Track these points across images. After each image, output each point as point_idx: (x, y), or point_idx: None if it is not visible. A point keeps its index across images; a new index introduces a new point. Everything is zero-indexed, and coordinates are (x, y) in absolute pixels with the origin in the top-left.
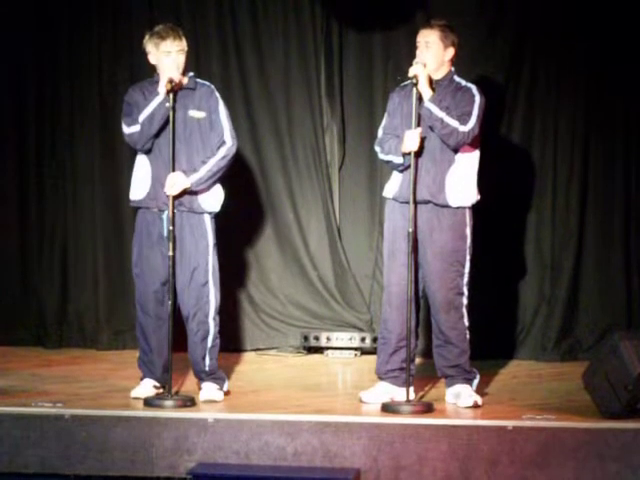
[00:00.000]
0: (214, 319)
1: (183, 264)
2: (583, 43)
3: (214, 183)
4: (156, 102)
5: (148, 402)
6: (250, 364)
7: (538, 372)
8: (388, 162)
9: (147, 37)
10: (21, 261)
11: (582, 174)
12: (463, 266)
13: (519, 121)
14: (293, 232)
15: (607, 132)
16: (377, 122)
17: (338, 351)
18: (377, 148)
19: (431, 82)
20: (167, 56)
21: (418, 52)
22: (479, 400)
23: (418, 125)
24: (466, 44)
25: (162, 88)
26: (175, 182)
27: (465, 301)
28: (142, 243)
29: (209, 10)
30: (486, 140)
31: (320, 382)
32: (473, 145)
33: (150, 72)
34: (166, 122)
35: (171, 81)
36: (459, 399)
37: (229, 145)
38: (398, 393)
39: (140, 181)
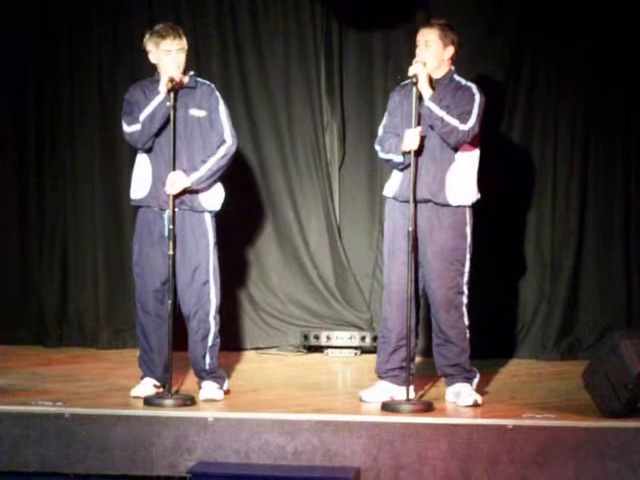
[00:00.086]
0: (215, 318)
1: (184, 263)
2: (583, 42)
3: (214, 182)
4: (157, 101)
5: (148, 401)
6: (250, 363)
7: (538, 371)
8: (388, 161)
9: (147, 36)
10: (21, 260)
11: (582, 173)
12: (463, 265)
13: (519, 120)
14: (293, 231)
15: (607, 131)
16: (377, 121)
17: (338, 350)
18: (377, 147)
19: (431, 81)
20: (167, 55)
21: (418, 51)
22: (479, 399)
23: (418, 124)
24: (466, 43)
25: (163, 87)
26: (175, 181)
27: (465, 300)
28: (143, 242)
29: (209, 9)
30: (486, 139)
31: (320, 381)
32: (473, 144)
33: (150, 71)
34: (167, 121)
35: (172, 80)
36: (459, 398)
37: (229, 144)
38: (398, 392)
39: (141, 180)
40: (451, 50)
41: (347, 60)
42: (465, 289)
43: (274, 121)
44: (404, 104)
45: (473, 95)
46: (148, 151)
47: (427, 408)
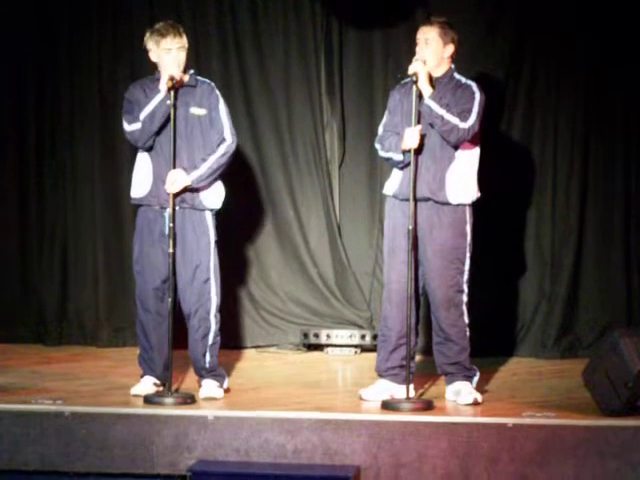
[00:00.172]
0: (215, 316)
1: (185, 261)
2: (583, 41)
3: (215, 180)
4: (157, 100)
5: (148, 399)
6: (250, 361)
7: (538, 369)
8: (388, 159)
9: (148, 34)
10: (21, 260)
11: (582, 171)
12: (463, 263)
13: (519, 118)
14: (293, 229)
15: (607, 129)
16: (377, 119)
17: (338, 348)
18: (377, 145)
19: (431, 79)
20: (168, 53)
21: (418, 49)
22: (479, 397)
23: (418, 122)
24: (466, 41)
25: (163, 86)
26: (176, 179)
27: (465, 298)
28: (143, 240)
29: (209, 8)
30: (486, 137)
31: (320, 379)
32: (473, 142)
33: (151, 71)
34: (167, 119)
35: (172, 78)
36: (459, 396)
37: (229, 142)
38: (398, 390)
39: (141, 179)
40: (451, 48)
41: (347, 58)
42: (465, 287)
43: (274, 119)
44: (404, 102)
45: (473, 93)
46: (149, 150)
47: (427, 407)
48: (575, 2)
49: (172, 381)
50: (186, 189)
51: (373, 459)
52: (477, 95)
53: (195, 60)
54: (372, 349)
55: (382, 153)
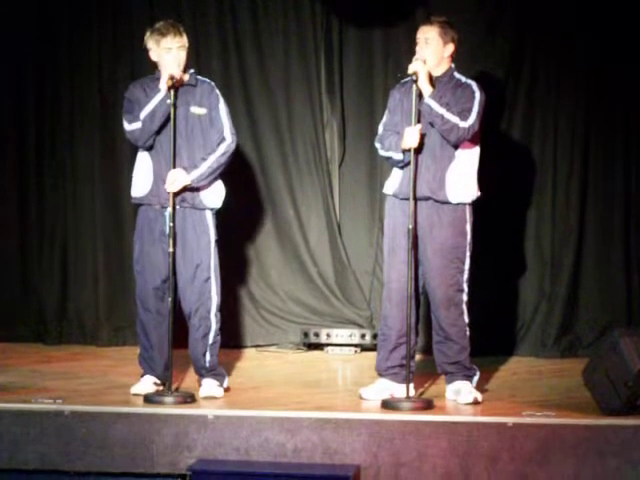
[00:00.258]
0: (215, 315)
1: (186, 261)
2: (583, 41)
3: (214, 179)
4: (157, 99)
5: (148, 398)
6: (250, 360)
7: (538, 369)
8: (388, 159)
9: (148, 34)
10: (21, 259)
11: (582, 171)
12: (463, 263)
13: (519, 118)
14: (293, 228)
15: (607, 129)
16: (377, 119)
17: (338, 348)
18: (377, 145)
19: (431, 78)
20: (168, 53)
21: (418, 49)
22: (479, 397)
23: (418, 122)
24: (466, 41)
25: (163, 85)
26: (176, 179)
27: (465, 298)
28: (143, 240)
29: (209, 8)
30: (486, 137)
31: (320, 379)
32: (473, 141)
33: (151, 70)
34: (167, 119)
35: (172, 78)
36: (459, 396)
37: (229, 142)
38: (398, 390)
39: (142, 178)
40: (451, 47)
41: (347, 58)
42: (465, 287)
43: (274, 119)
44: (404, 102)
45: (473, 92)
46: (149, 149)
47: (427, 406)
48: (575, 2)
49: (172, 380)
50: (186, 188)
51: (373, 458)
52: (477, 94)
53: (195, 59)
54: (372, 348)
55: (382, 152)
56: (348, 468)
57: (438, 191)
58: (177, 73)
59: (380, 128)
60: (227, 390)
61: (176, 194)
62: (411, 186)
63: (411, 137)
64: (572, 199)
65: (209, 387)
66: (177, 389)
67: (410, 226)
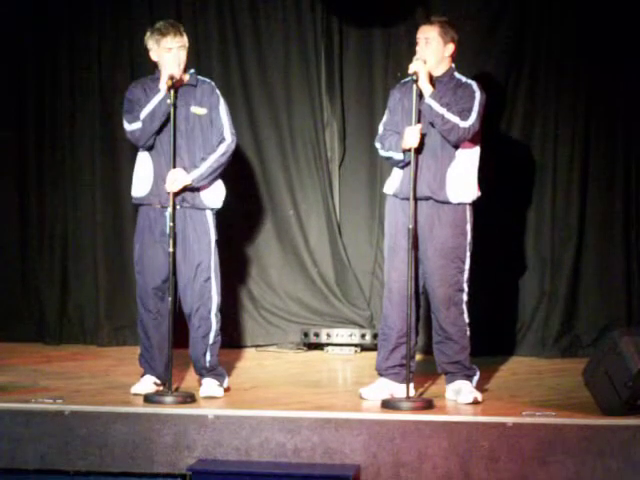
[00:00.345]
0: (216, 315)
1: (186, 260)
2: (583, 41)
3: (215, 179)
4: (157, 99)
5: (148, 398)
6: (250, 360)
7: (538, 369)
8: (388, 158)
9: (148, 34)
10: (21, 258)
11: (582, 171)
12: (463, 262)
13: (519, 117)
14: (293, 228)
15: (607, 129)
16: (377, 119)
17: (338, 347)
18: (377, 144)
19: (431, 78)
20: (168, 52)
21: (418, 48)
22: (479, 396)
23: (419, 121)
24: (466, 41)
25: (163, 85)
26: (176, 179)
27: (465, 297)
28: (144, 240)
29: (209, 8)
30: (486, 136)
31: (320, 378)
32: (474, 141)
33: (151, 70)
34: (167, 119)
35: (172, 77)
36: (459, 395)
37: (228, 142)
38: (398, 389)
39: (142, 178)
40: (451, 47)
41: (347, 58)
42: (465, 286)
43: (274, 119)
44: (404, 102)
45: (473, 92)
46: (149, 149)
47: (427, 406)
48: (575, 2)
49: (172, 380)
50: (186, 188)
51: (373, 458)
52: (477, 94)
53: (195, 60)
54: (372, 348)
55: (382, 152)
56: (348, 468)
57: (438, 191)
58: (177, 73)
59: (380, 128)
60: (227, 390)
61: (176, 194)
62: (411, 186)
63: (411, 137)
64: (572, 199)
65: (209, 387)
66: (177, 389)
67: (410, 226)
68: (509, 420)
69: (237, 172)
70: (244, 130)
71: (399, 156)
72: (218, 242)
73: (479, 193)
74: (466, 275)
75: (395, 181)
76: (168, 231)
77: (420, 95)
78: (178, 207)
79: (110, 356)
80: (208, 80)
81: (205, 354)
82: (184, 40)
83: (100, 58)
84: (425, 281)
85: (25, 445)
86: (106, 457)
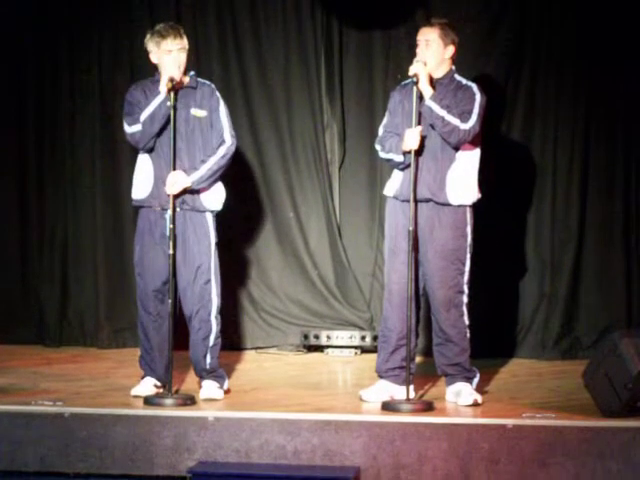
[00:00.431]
0: (216, 317)
1: (187, 263)
2: (583, 41)
3: (214, 182)
4: (157, 101)
5: (148, 400)
6: (250, 362)
7: (538, 371)
8: (389, 160)
9: (148, 36)
10: (21, 259)
11: (582, 172)
12: (464, 264)
13: (519, 119)
14: (293, 230)
15: (607, 129)
16: (377, 120)
17: (338, 349)
18: (378, 146)
19: (431, 80)
20: (168, 55)
21: (418, 50)
22: (479, 399)
23: (419, 123)
24: (466, 43)
25: (163, 87)
26: (176, 181)
27: (465, 299)
28: (144, 242)
29: (209, 10)
30: (486, 138)
31: (320, 380)
32: (474, 143)
33: (150, 71)
34: (167, 121)
35: (172, 80)
36: (459, 397)
37: (228, 144)
38: (398, 391)
39: (142, 180)
40: (452, 49)
41: (347, 60)
42: (465, 288)
43: (274, 121)
44: (405, 103)
45: (474, 94)
46: (149, 151)
47: (427, 408)
48: (575, 4)
49: (172, 382)
50: (186, 190)
51: (373, 460)
52: (478, 96)
53: (195, 62)
54: (372, 350)
55: (382, 154)
56: (348, 470)
57: (439, 193)
58: (177, 75)
59: (380, 130)
60: (227, 392)
61: (176, 196)
62: (411, 188)
63: (411, 139)
64: (572, 201)
65: (209, 389)
66: (177, 391)
67: (410, 228)
68: (509, 422)
69: (237, 174)
70: (244, 132)
71: (399, 158)
72: (218, 244)
73: (479, 195)
74: (466, 277)
75: (395, 183)
76: (168, 233)
77: (420, 97)
78: (178, 209)
79: (110, 358)
80: (208, 82)
81: (205, 356)
82: (184, 42)
83: (100, 60)
84: (425, 283)
85: (25, 447)
86: (106, 459)
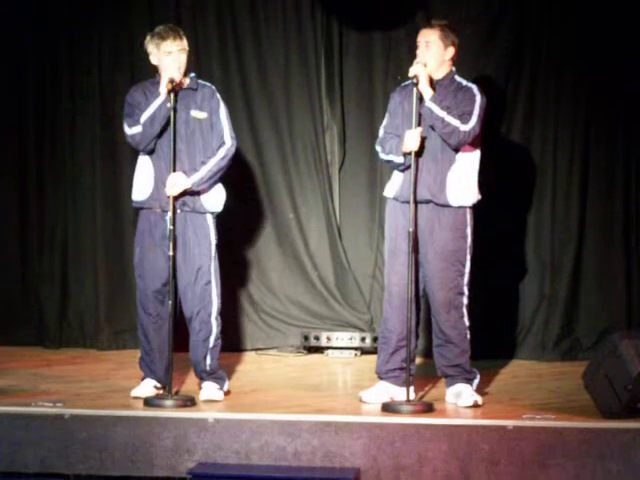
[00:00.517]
0: (216, 319)
1: (187, 264)
2: (584, 43)
3: (214, 183)
4: (157, 103)
5: (148, 402)
6: (250, 364)
7: (538, 372)
8: (389, 162)
9: (148, 38)
10: (21, 260)
11: (582, 173)
12: (464, 266)
13: (519, 121)
14: (293, 232)
15: (607, 130)
16: (377, 122)
17: (338, 351)
18: (378, 148)
19: (432, 82)
20: (168, 56)
21: (418, 52)
22: (479, 400)
23: (419, 125)
24: (467, 44)
25: (163, 88)
26: (175, 182)
27: (465, 301)
28: (144, 244)
29: (209, 11)
30: (487, 139)
31: (320, 382)
32: (474, 145)
33: (151, 72)
34: (168, 122)
35: (172, 81)
36: (459, 399)
37: (228, 145)
38: (398, 393)
39: (143, 182)
40: (452, 51)
41: (347, 61)
42: (465, 290)
43: (274, 122)
44: (405, 105)
45: (474, 96)
46: (150, 153)
47: (427, 409)
48: (575, 5)
49: (172, 383)
50: (186, 192)
51: (373, 461)
52: (478, 97)
53: (195, 62)
54: (372, 351)
55: (383, 156)
56: (348, 471)
57: (439, 194)
58: (177, 76)
59: (381, 131)
60: (227, 393)
61: (176, 198)
62: (412, 189)
63: (412, 140)
64: (572, 202)
65: (209, 390)
66: (177, 392)
67: (411, 229)
68: (509, 423)
69: (237, 175)
70: (244, 134)
71: (399, 159)
72: (218, 245)
73: (479, 196)
74: (466, 278)
75: (395, 184)
76: (168, 234)
77: (420, 98)
78: (179, 211)
79: (110, 360)
80: (208, 84)
81: (205, 357)
82: (184, 43)
83: (100, 61)
84: (425, 284)
85: (25, 449)
86: (106, 461)
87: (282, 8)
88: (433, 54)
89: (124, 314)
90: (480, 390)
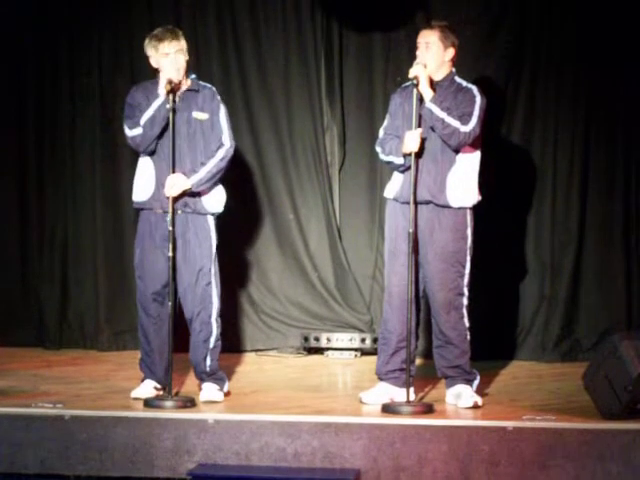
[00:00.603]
0: (217, 320)
1: (188, 265)
2: (584, 45)
3: (214, 184)
4: (157, 104)
5: (148, 403)
6: (250, 365)
7: (538, 373)
8: (389, 163)
9: (147, 41)
10: (21, 261)
11: (582, 174)
12: (464, 267)
13: (519, 122)
14: (293, 233)
15: (607, 131)
16: (377, 123)
17: (338, 352)
18: (378, 149)
19: (432, 83)
20: (166, 57)
21: (418, 53)
22: (479, 401)
23: (419, 126)
24: (467, 45)
25: (162, 90)
26: (175, 183)
27: (465, 302)
28: (145, 245)
29: (209, 12)
30: (487, 141)
31: (320, 383)
32: (474, 146)
33: (151, 73)
34: (168, 123)
35: (170, 82)
36: (459, 400)
37: (227, 147)
38: (398, 394)
39: (144, 183)
40: (452, 52)
41: (347, 62)
42: (465, 291)
43: (274, 123)
44: (405, 106)
45: (474, 97)
46: (151, 154)
47: (427, 410)
48: (575, 7)
49: (172, 384)
50: (186, 193)
51: (373, 462)
52: (478, 99)
53: (195, 62)
54: (372, 352)
55: (383, 157)
56: (348, 472)
57: (439, 195)
58: (175, 77)
59: (381, 132)
60: (227, 394)
61: (176, 199)
62: (412, 190)
63: (412, 141)
64: (572, 202)
65: (209, 391)
66: (177, 393)
67: (411, 230)
68: (509, 424)
69: (237, 176)
70: (244, 135)
71: (399, 160)
72: (218, 246)
73: (480, 197)
74: (466, 279)
75: (395, 185)
76: (168, 236)
77: (420, 99)
78: (180, 212)
79: (110, 361)
80: (209, 85)
81: (205, 358)
82: (181, 44)
83: (100, 62)
84: (425, 285)
85: (25, 450)
86: (106, 462)
87: (282, 9)
88: (433, 55)
89: (124, 315)
90: (480, 391)
